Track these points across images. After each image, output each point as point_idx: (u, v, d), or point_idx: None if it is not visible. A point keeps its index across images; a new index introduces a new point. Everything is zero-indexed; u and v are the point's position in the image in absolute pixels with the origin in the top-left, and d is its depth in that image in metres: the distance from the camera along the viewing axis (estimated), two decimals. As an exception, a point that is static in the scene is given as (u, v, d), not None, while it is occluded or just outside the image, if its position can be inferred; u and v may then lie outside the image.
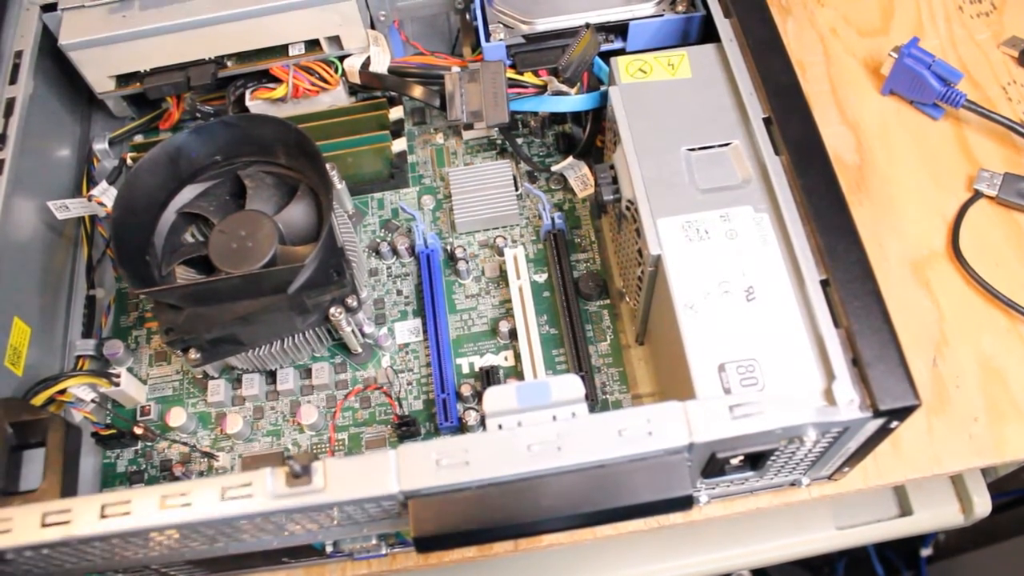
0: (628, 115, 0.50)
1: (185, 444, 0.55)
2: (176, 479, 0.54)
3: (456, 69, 0.59)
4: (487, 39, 0.57)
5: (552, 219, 0.59)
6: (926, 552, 0.99)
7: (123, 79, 0.62)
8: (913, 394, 0.38)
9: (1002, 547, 0.88)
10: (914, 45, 0.62)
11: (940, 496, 0.66)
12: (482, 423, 0.53)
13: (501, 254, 0.60)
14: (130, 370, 0.57)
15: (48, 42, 0.61)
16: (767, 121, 0.48)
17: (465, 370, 0.56)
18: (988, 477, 0.67)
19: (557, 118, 0.65)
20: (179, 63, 0.61)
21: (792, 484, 0.50)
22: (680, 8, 0.57)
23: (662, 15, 0.57)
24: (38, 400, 0.52)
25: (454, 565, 0.54)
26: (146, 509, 0.37)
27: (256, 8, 0.58)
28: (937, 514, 0.65)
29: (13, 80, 0.59)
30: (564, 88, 0.57)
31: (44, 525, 0.37)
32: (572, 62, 0.55)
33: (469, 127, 0.65)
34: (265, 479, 0.37)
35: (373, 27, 0.65)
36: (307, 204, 0.54)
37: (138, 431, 0.54)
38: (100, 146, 0.65)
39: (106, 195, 0.57)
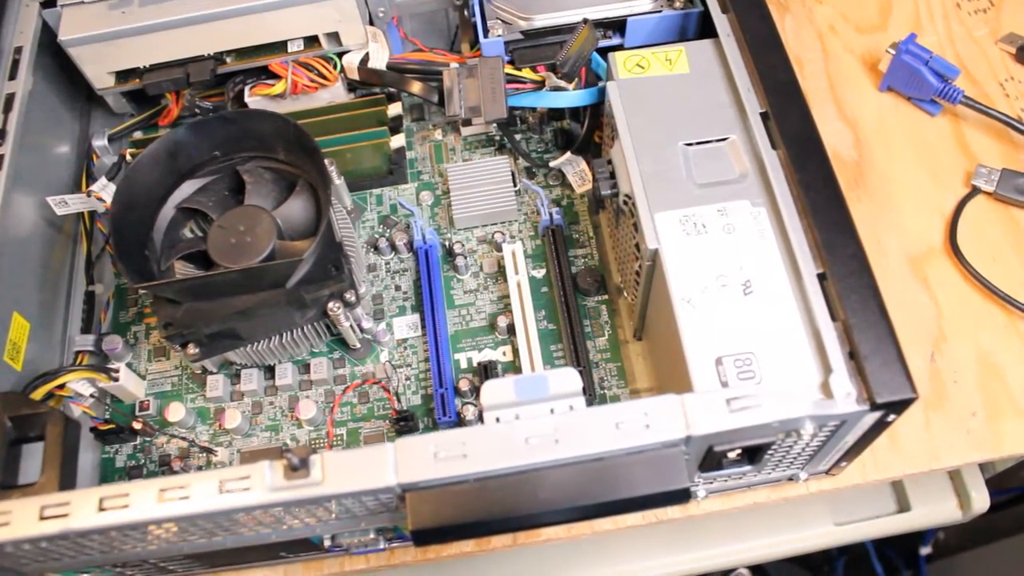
0: (626, 110, 0.50)
1: (184, 439, 0.55)
2: (175, 474, 0.54)
3: (454, 65, 0.59)
4: (485, 35, 0.57)
5: (550, 214, 0.60)
6: (925, 551, 0.99)
7: (122, 75, 0.62)
8: (910, 387, 0.38)
9: (1001, 545, 0.88)
10: (912, 42, 0.62)
11: (938, 492, 0.66)
12: (480, 417, 0.53)
13: (499, 250, 0.60)
14: (129, 365, 0.58)
15: (48, 38, 0.61)
16: (764, 116, 0.48)
17: (463, 365, 0.57)
18: (986, 473, 0.67)
19: (555, 114, 0.65)
20: (178, 59, 0.61)
21: (790, 479, 0.50)
22: (678, 4, 0.57)
23: (660, 11, 0.57)
24: (37, 395, 0.52)
25: (452, 560, 0.54)
26: (144, 502, 0.37)
27: (255, 4, 0.58)
28: (935, 510, 0.65)
29: (12, 76, 0.59)
30: (562, 84, 0.57)
31: (42, 518, 0.38)
32: (570, 58, 0.55)
33: (467, 123, 0.65)
34: (263, 472, 0.37)
35: (372, 23, 0.65)
36: (306, 199, 0.54)
37: (137, 426, 0.54)
38: (99, 142, 0.65)
39: (105, 191, 0.58)
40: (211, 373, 0.57)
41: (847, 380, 0.39)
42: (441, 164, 0.65)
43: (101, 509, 0.37)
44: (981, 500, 0.64)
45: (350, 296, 0.53)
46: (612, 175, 0.51)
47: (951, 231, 0.58)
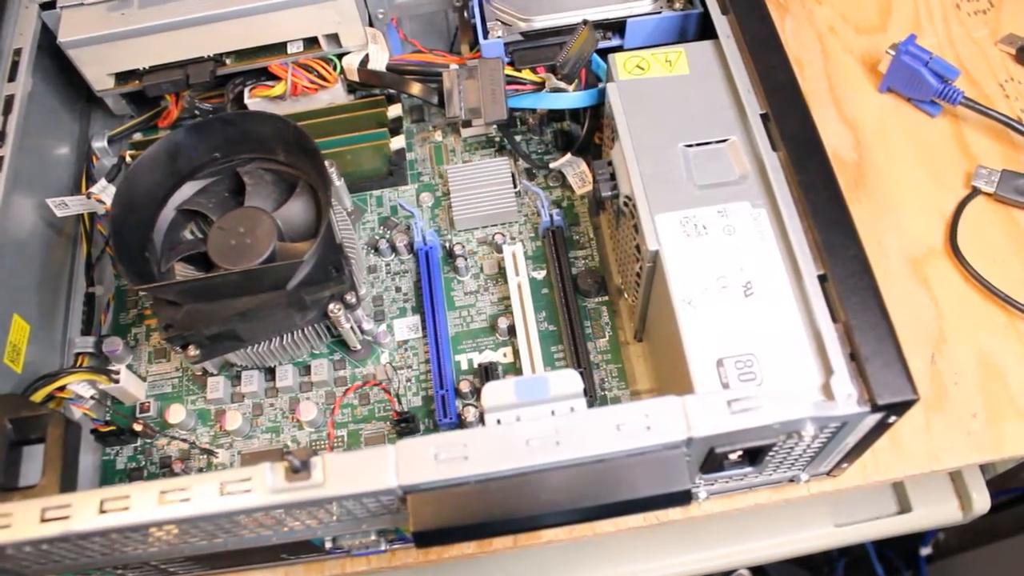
0: (626, 112, 0.50)
1: (184, 441, 0.55)
2: (175, 476, 0.54)
3: (454, 66, 0.59)
4: (485, 36, 0.57)
5: (550, 216, 0.60)
6: (926, 551, 0.99)
7: (122, 77, 0.62)
8: (911, 388, 0.38)
9: (1001, 546, 0.88)
10: (911, 42, 0.62)
11: (939, 493, 0.66)
12: (481, 419, 0.53)
13: (500, 251, 0.60)
14: (129, 367, 0.58)
15: (47, 40, 0.61)
16: (764, 117, 0.48)
17: (464, 367, 0.57)
18: (987, 474, 0.67)
19: (555, 115, 0.65)
20: (178, 61, 0.61)
21: (791, 480, 0.50)
22: (678, 5, 0.57)
23: (660, 12, 0.57)
24: (37, 397, 0.52)
25: (453, 561, 0.54)
26: (145, 504, 0.37)
27: (255, 6, 0.58)
28: (936, 511, 0.65)
29: (12, 78, 0.59)
30: (562, 85, 0.57)
31: (43, 520, 0.37)
32: (570, 59, 0.55)
33: (467, 124, 0.65)
34: (264, 474, 0.37)
35: (371, 25, 0.65)
36: (306, 201, 0.54)
37: (137, 428, 0.54)
38: (99, 144, 0.65)
39: (105, 192, 0.57)
40: (212, 375, 0.57)
41: (848, 382, 0.39)
42: (441, 165, 0.65)
43: (102, 511, 0.37)
44: (982, 501, 0.64)
45: (351, 298, 0.53)
46: (612, 176, 0.51)
47: (951, 232, 0.58)
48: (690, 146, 0.48)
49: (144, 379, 0.58)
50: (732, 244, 0.44)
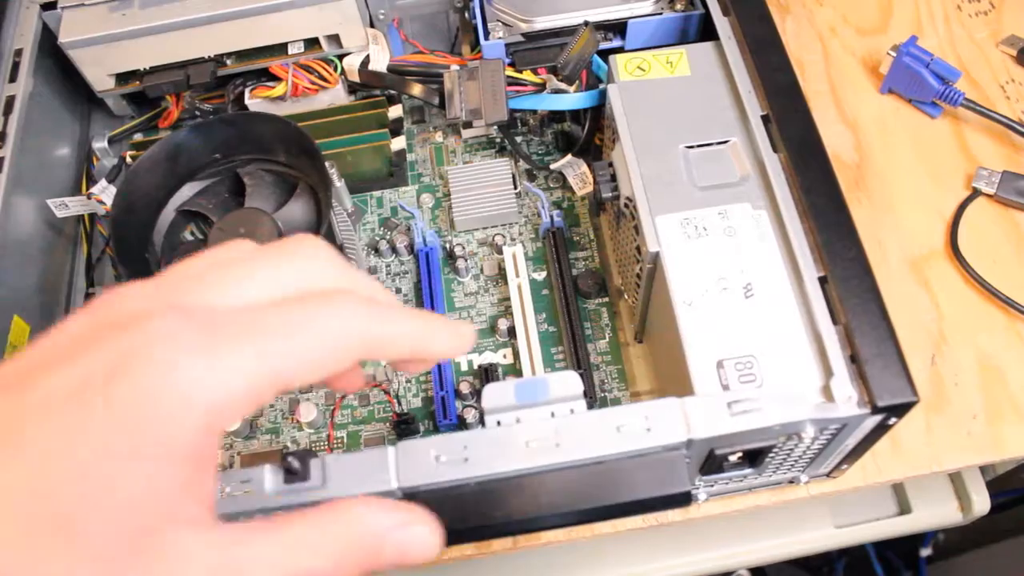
0: (627, 113, 0.50)
1: (184, 442, 0.55)
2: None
3: (455, 67, 0.59)
4: (486, 37, 0.57)
5: (551, 217, 0.60)
6: (925, 552, 0.99)
7: (122, 77, 0.63)
8: (911, 390, 0.38)
9: (1001, 547, 0.88)
10: (912, 44, 0.62)
11: (939, 494, 0.66)
12: (481, 420, 0.53)
13: (500, 252, 0.60)
14: (129, 368, 0.57)
15: (48, 40, 0.61)
16: (765, 119, 0.48)
17: (464, 368, 0.57)
18: (987, 475, 0.67)
19: (556, 116, 0.65)
20: (178, 62, 0.61)
21: (791, 482, 0.50)
22: (679, 6, 0.57)
23: (661, 13, 0.57)
24: (37, 398, 0.52)
25: (452, 563, 0.54)
26: (145, 505, 0.37)
27: (255, 6, 0.58)
28: (936, 512, 0.65)
29: (13, 78, 0.59)
30: (563, 86, 0.57)
31: (43, 521, 0.37)
32: (571, 60, 0.55)
33: (468, 125, 0.65)
34: (263, 476, 0.37)
35: (372, 26, 0.65)
36: (306, 202, 0.54)
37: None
38: (99, 144, 0.65)
39: (105, 193, 0.58)
40: (211, 376, 0.57)
41: (848, 383, 0.39)
42: (442, 166, 0.65)
43: (101, 513, 0.37)
44: (982, 502, 0.64)
45: (351, 299, 0.53)
46: (613, 178, 0.51)
47: (952, 233, 0.58)
48: (691, 147, 0.48)
49: (144, 380, 0.58)
50: (733, 246, 0.44)
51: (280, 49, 0.62)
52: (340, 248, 0.53)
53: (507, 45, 0.58)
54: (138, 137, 0.67)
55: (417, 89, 0.62)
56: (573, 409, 0.39)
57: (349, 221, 0.58)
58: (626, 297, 0.57)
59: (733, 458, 0.41)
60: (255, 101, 0.63)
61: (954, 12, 0.69)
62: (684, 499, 0.37)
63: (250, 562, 0.24)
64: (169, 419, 0.23)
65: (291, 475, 0.37)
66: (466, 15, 0.64)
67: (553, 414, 0.38)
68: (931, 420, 0.53)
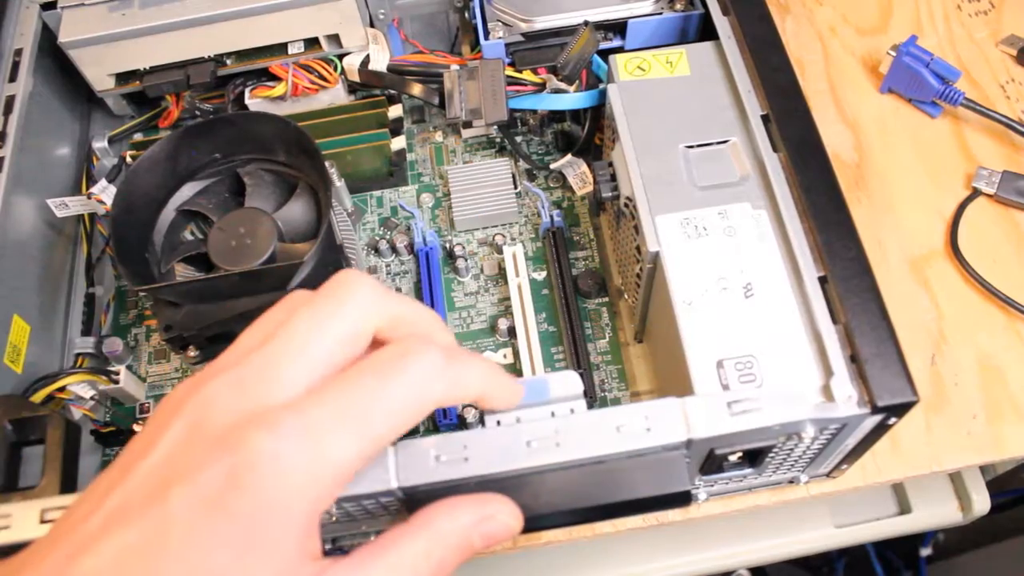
0: (627, 113, 0.50)
1: (184, 442, 0.55)
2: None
3: (455, 67, 0.59)
4: (486, 37, 0.57)
5: (551, 217, 0.60)
6: (925, 552, 0.99)
7: (122, 77, 0.62)
8: (911, 390, 0.38)
9: (1001, 547, 0.88)
10: (912, 43, 0.62)
11: (939, 494, 0.66)
12: (481, 420, 0.53)
13: (500, 252, 0.60)
14: (129, 368, 0.58)
15: (48, 40, 0.61)
16: (765, 118, 0.48)
17: (464, 368, 0.56)
18: (987, 475, 0.67)
19: (556, 116, 0.65)
20: (178, 61, 0.61)
21: (791, 481, 0.50)
22: (679, 6, 0.57)
23: (661, 13, 0.57)
24: (37, 397, 0.52)
25: (453, 562, 0.54)
26: (145, 505, 0.37)
27: (255, 6, 0.58)
28: (936, 512, 0.65)
29: (13, 78, 0.59)
30: (563, 86, 0.57)
31: (43, 521, 0.37)
32: (571, 60, 0.55)
33: (468, 125, 0.65)
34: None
35: (372, 25, 0.65)
36: (306, 202, 0.54)
37: (137, 429, 0.54)
38: (99, 144, 0.65)
39: (105, 193, 0.58)
40: (211, 375, 0.57)
41: (848, 383, 0.39)
42: (442, 166, 0.65)
43: (101, 512, 0.37)
44: (982, 502, 0.64)
45: (351, 298, 0.53)
46: (613, 177, 0.51)
47: (952, 233, 0.58)
48: (691, 147, 0.48)
49: (144, 380, 0.58)
50: (732, 245, 0.44)
51: (280, 49, 0.62)
52: (340, 248, 0.53)
53: (507, 45, 0.58)
54: (138, 137, 0.67)
55: (417, 89, 0.62)
56: (573, 409, 0.39)
57: (349, 221, 0.58)
58: (626, 297, 0.57)
59: (733, 458, 0.41)
60: (255, 101, 0.63)
61: (954, 12, 0.69)
62: (684, 499, 0.37)
63: None
64: (283, 518, 0.27)
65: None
66: (466, 15, 0.64)
67: (553, 414, 0.38)
68: (931, 420, 0.53)
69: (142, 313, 0.61)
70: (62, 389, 0.53)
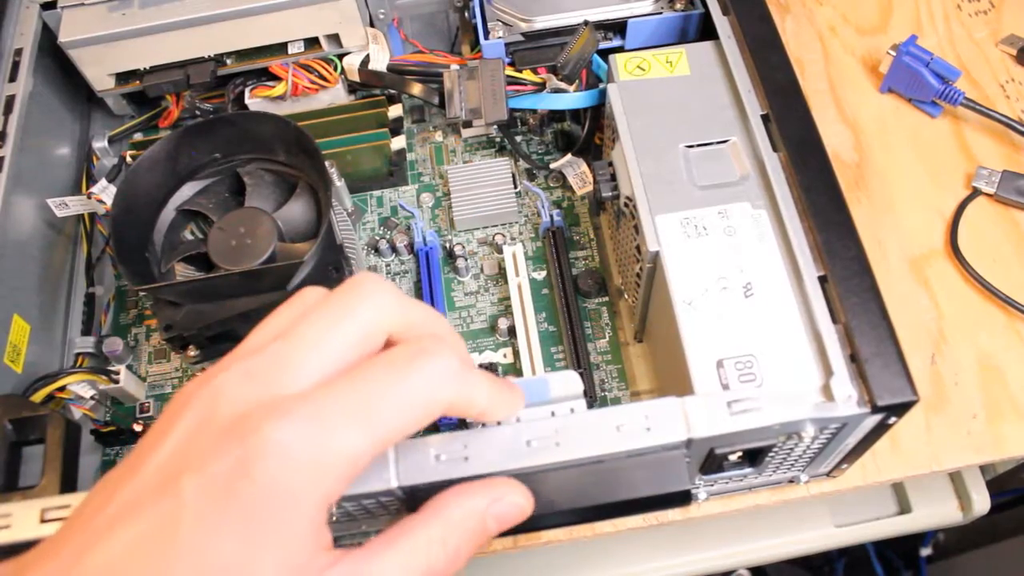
0: (627, 112, 0.50)
1: (184, 441, 0.55)
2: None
3: (455, 67, 0.59)
4: (486, 37, 0.57)
5: (551, 216, 0.60)
6: (926, 552, 0.99)
7: (122, 77, 0.62)
8: (911, 390, 0.38)
9: (1001, 547, 0.88)
10: (912, 43, 0.62)
11: (939, 494, 0.66)
12: (481, 420, 0.53)
13: (500, 251, 0.60)
14: (129, 367, 0.58)
15: (48, 40, 0.61)
16: (765, 118, 0.48)
17: (464, 367, 0.56)
18: (987, 475, 0.67)
19: (556, 116, 0.65)
20: (178, 61, 0.61)
21: (791, 481, 0.50)
22: (679, 6, 0.57)
23: (660, 13, 0.57)
24: (37, 397, 0.52)
25: (453, 562, 0.54)
26: (145, 504, 0.37)
27: (255, 6, 0.58)
28: (936, 512, 0.65)
29: (13, 78, 0.59)
30: (563, 86, 0.57)
31: (43, 521, 0.37)
32: (571, 60, 0.55)
33: (468, 125, 0.65)
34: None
35: (372, 25, 0.65)
36: (306, 201, 0.54)
37: (138, 428, 0.54)
38: (99, 144, 0.65)
39: (105, 193, 0.58)
40: (211, 375, 0.57)
41: (848, 383, 0.39)
42: (441, 166, 0.65)
43: (102, 512, 0.37)
44: (982, 502, 0.64)
45: (351, 298, 0.53)
46: (613, 177, 0.51)
47: (952, 233, 0.58)
48: (691, 147, 0.48)
49: (144, 379, 0.58)
50: (732, 245, 0.44)
51: (280, 48, 0.62)
52: (340, 248, 0.53)
53: (507, 45, 0.58)
54: (138, 137, 0.67)
55: (417, 89, 0.62)
56: (573, 408, 0.39)
57: (349, 221, 0.58)
58: (626, 296, 0.57)
59: (733, 457, 0.41)
60: (255, 100, 0.63)
61: (954, 11, 0.69)
62: (684, 498, 0.37)
63: (382, 574, 0.29)
64: (293, 507, 0.27)
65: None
66: (466, 15, 0.64)
67: (553, 413, 0.38)
68: (931, 419, 0.53)
69: (142, 313, 0.61)
70: (62, 389, 0.53)
